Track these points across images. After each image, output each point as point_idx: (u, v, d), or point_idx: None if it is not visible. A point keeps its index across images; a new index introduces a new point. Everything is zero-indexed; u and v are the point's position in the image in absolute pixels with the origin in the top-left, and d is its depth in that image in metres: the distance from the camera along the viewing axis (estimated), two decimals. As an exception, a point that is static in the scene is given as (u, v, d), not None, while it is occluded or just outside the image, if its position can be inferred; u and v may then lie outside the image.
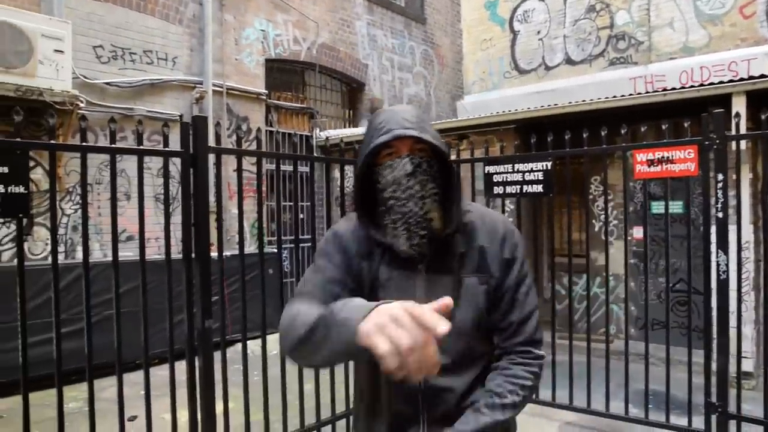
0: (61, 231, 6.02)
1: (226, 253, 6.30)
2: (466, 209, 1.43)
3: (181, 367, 3.03)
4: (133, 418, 4.28)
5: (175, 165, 6.16)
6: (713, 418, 3.61)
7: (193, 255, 3.11)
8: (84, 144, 2.69)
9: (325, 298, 1.27)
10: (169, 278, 3.06)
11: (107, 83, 6.23)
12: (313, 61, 8.45)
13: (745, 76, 6.07)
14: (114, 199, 2.82)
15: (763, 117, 3.41)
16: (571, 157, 4.18)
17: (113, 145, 2.78)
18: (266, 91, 7.66)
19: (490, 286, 1.38)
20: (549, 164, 4.24)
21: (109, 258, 5.97)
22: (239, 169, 3.36)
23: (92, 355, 2.73)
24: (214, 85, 6.91)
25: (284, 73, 8.36)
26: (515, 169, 4.43)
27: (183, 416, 3.08)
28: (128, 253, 5.79)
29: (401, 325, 0.88)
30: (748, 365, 4.88)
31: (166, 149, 3.05)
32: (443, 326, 0.87)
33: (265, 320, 3.46)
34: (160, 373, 3.87)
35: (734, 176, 4.71)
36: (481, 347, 1.43)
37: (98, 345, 2.92)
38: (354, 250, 1.40)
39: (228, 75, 7.18)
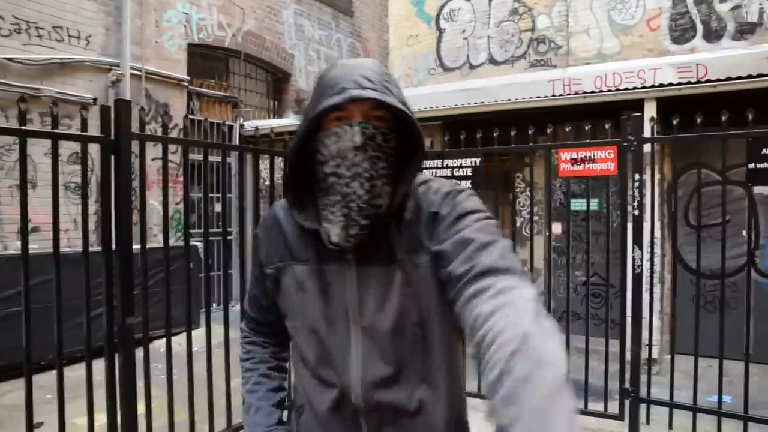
0: (-48, 221, 5.48)
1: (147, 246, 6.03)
2: (422, 183, 1.15)
3: (96, 366, 2.83)
4: (38, 425, 3.96)
5: (90, 153, 5.77)
6: (626, 402, 3.85)
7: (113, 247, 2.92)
8: None
9: (260, 319, 1.37)
10: (87, 271, 2.85)
11: (9, 59, 5.70)
12: (238, 48, 8.18)
13: (654, 83, 6.51)
14: (24, 187, 2.59)
15: (674, 122, 3.66)
16: (495, 154, 4.31)
17: (24, 128, 2.54)
18: (188, 78, 7.33)
19: (426, 262, 1.07)
20: (478, 160, 4.35)
21: (9, 251, 5.54)
22: (165, 158, 3.18)
23: None
24: (132, 68, 6.52)
25: (207, 60, 8.04)
26: (444, 165, 4.51)
27: (99, 419, 2.88)
28: (33, 245, 5.37)
29: None
30: (654, 352, 5.24)
31: (85, 134, 2.82)
32: None
33: (190, 316, 3.31)
34: (70, 374, 3.60)
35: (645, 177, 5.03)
36: (438, 351, 1.11)
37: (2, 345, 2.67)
38: (266, 254, 1.21)
39: (147, 58, 6.79)
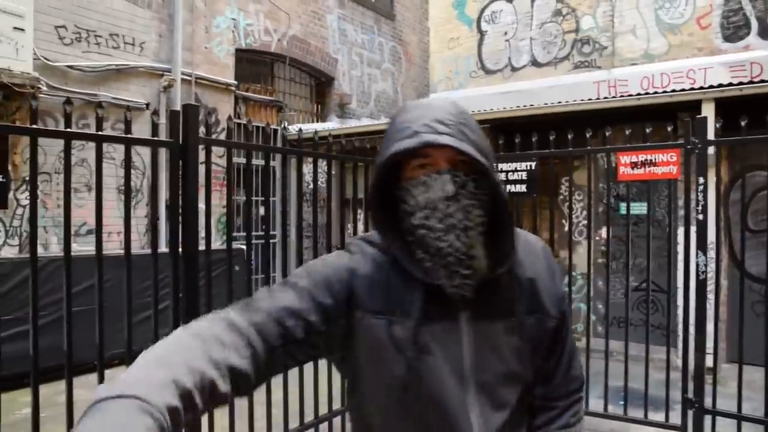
0: (15, 223, 5.69)
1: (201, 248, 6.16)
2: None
3: None
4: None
5: (141, 156, 5.91)
6: (690, 413, 3.74)
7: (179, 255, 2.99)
8: (34, 126, 2.41)
9: (267, 326, 0.96)
10: (155, 275, 2.92)
11: (70, 66, 5.91)
12: (284, 52, 8.29)
13: (703, 84, 6.34)
14: (68, 189, 2.57)
15: (743, 123, 3.55)
16: (551, 157, 4.26)
17: (68, 130, 2.54)
18: (236, 82, 7.47)
19: (548, 328, 1.12)
20: (533, 164, 4.30)
21: (77, 252, 5.72)
22: (229, 162, 3.24)
23: (38, 357, 2.46)
24: (182, 73, 6.68)
25: (253, 64, 8.17)
26: (500, 169, 4.47)
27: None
28: (89, 247, 5.54)
29: None
30: (710, 361, 5.08)
31: (155, 138, 2.90)
32: None
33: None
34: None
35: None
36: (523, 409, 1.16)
37: (54, 345, 2.76)
38: (361, 295, 1.04)
39: (197, 64, 6.95)
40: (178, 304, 2.99)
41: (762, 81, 5.40)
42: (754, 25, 7.58)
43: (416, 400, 1.03)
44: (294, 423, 3.67)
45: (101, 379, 2.71)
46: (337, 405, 3.90)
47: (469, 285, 1.00)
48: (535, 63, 9.66)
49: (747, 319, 4.50)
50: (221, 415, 3.17)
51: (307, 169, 6.93)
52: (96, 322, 2.72)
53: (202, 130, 3.17)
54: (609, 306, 4.58)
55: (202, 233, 3.26)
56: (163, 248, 4.92)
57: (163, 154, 4.26)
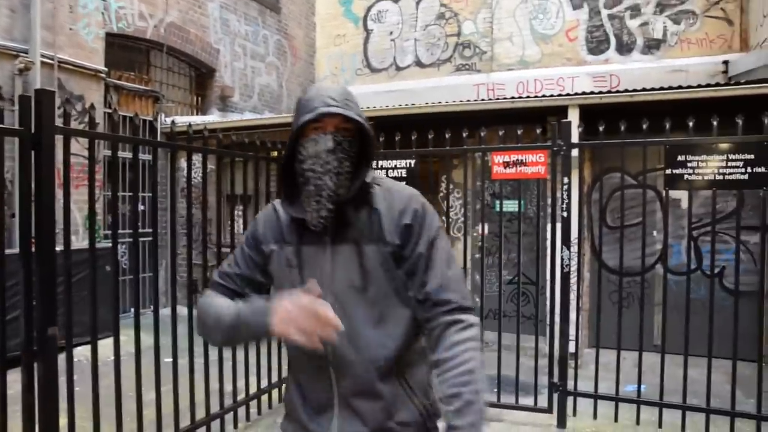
0: None
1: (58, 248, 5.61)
2: (375, 183, 1.48)
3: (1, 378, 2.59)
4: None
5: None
6: (555, 396, 4.03)
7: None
8: None
9: (234, 288, 1.54)
10: (1, 275, 2.61)
11: None
12: (161, 40, 7.80)
13: (571, 91, 6.88)
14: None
15: (600, 128, 3.87)
16: (430, 156, 4.39)
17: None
18: (106, 69, 6.90)
19: (386, 253, 1.41)
20: (413, 162, 4.40)
21: None
22: (91, 154, 2.98)
23: None
24: (42, 56, 6.03)
25: (127, 51, 7.60)
26: (379, 166, 4.53)
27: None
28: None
29: (298, 315, 1.25)
30: (572, 347, 5.51)
31: (1, 126, 2.58)
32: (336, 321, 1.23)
33: (96, 322, 3.05)
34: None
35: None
36: (393, 314, 1.42)
37: None
38: (264, 236, 1.53)
39: (60, 46, 6.31)
40: (32, 312, 2.69)
41: (619, 91, 5.95)
42: (613, 41, 8.35)
43: None
44: (185, 422, 3.53)
45: None
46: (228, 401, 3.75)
47: (331, 216, 1.39)
48: (419, 63, 9.92)
49: (605, 308, 4.95)
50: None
51: (185, 164, 6.58)
52: None
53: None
54: (484, 299, 4.82)
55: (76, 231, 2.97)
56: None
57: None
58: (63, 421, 2.83)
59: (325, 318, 1.23)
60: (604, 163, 5.28)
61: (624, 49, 8.29)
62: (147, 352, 3.33)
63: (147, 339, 3.36)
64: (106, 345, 3.49)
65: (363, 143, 1.45)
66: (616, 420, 3.99)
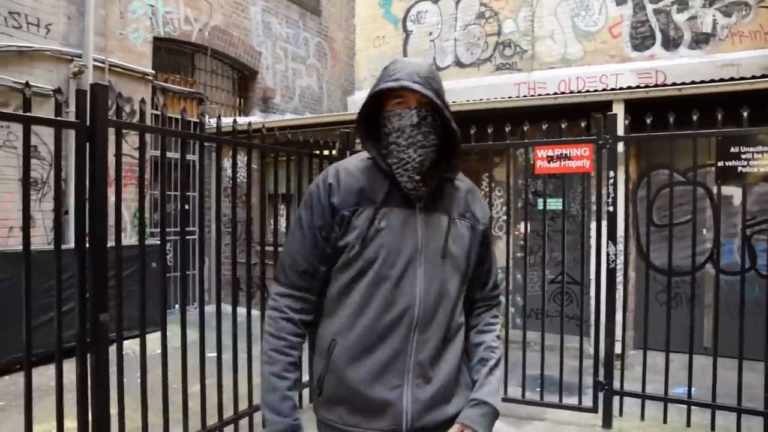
0: None
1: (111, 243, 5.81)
2: (458, 177, 1.58)
3: (59, 368, 2.69)
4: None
5: (47, 145, 5.52)
6: (600, 395, 3.93)
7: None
8: None
9: (303, 285, 1.49)
10: (58, 267, 2.71)
11: (-39, 46, 5.42)
12: (205, 43, 8.00)
13: (616, 88, 6.72)
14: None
15: (648, 121, 3.77)
16: (471, 153, 4.35)
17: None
18: (153, 72, 7.12)
19: (478, 231, 1.56)
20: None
21: None
22: (141, 147, 3.07)
23: None
24: (95, 60, 6.28)
25: (173, 54, 7.83)
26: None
27: (68, 422, 2.74)
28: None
29: None
30: (618, 347, 5.37)
31: (59, 118, 2.69)
32: None
33: (144, 317, 3.13)
34: (20, 380, 3.42)
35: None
36: (462, 294, 1.56)
37: None
38: (342, 199, 1.46)
39: (111, 50, 6.56)
40: (85, 305, 2.78)
41: (665, 85, 5.77)
42: (659, 36, 8.11)
43: (381, 270, 1.42)
44: (228, 413, 3.58)
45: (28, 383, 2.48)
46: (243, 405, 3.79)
47: (420, 187, 1.44)
48: (458, 63, 9.87)
49: (652, 308, 4.80)
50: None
51: (229, 163, 6.72)
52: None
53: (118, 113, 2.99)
54: (527, 298, 4.74)
55: (125, 228, 3.07)
56: (71, 244, 4.61)
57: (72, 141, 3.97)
58: (113, 410, 2.91)
59: None
60: (651, 159, 5.14)
61: (671, 44, 8.04)
62: (192, 346, 3.40)
63: (192, 334, 3.44)
64: (153, 339, 3.58)
65: (444, 124, 1.48)
66: (665, 421, 3.86)
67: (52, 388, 2.71)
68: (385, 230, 1.44)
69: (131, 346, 4.78)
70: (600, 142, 3.83)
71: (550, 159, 3.98)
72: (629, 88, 5.50)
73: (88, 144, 2.78)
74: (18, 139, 5.39)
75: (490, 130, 4.18)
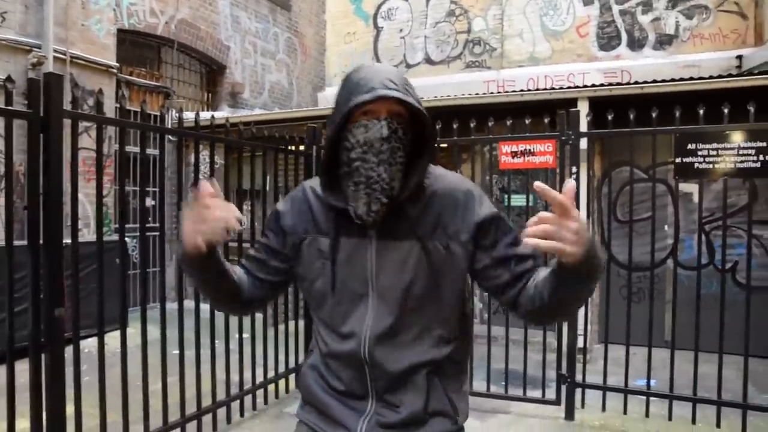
0: None
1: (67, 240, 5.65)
2: (427, 175, 1.36)
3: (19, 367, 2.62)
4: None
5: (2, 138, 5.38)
6: (563, 388, 3.99)
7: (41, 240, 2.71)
8: None
9: (255, 270, 1.47)
10: (10, 263, 2.63)
11: None
12: (172, 37, 7.86)
13: (583, 87, 6.85)
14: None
15: (609, 117, 3.83)
16: (439, 147, 4.37)
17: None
18: (117, 65, 6.96)
19: (456, 253, 1.32)
20: (458, 175, 4.38)
21: None
22: (99, 139, 2.99)
23: None
24: (55, 51, 6.11)
25: (138, 47, 7.67)
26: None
27: (21, 423, 2.66)
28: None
29: (196, 217, 1.23)
30: (581, 341, 5.46)
31: (10, 108, 2.60)
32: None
33: (102, 315, 3.08)
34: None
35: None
36: (437, 322, 1.35)
37: None
38: (292, 226, 1.40)
39: (72, 41, 6.39)
40: (39, 304, 2.70)
41: (628, 83, 5.88)
42: (624, 37, 8.28)
43: (336, 303, 1.35)
44: (191, 409, 3.55)
45: None
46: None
47: (383, 210, 1.26)
48: (429, 61, 9.91)
49: (615, 303, 4.90)
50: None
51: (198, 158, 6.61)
52: None
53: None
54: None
55: (82, 224, 2.99)
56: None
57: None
58: (70, 409, 2.84)
59: (220, 209, 1.21)
60: (614, 156, 5.24)
61: (636, 44, 8.22)
62: (154, 344, 3.35)
63: (154, 332, 3.38)
64: (114, 336, 3.51)
65: (416, 134, 1.32)
66: (625, 413, 3.94)
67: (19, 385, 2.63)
68: (329, 264, 1.34)
69: (93, 344, 4.68)
70: (563, 138, 3.89)
71: (514, 154, 4.02)
72: (593, 85, 5.59)
73: (42, 135, 2.70)
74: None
75: (455, 126, 4.20)
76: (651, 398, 3.92)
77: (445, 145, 4.85)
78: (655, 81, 5.32)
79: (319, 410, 1.41)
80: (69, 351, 2.87)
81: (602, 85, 5.54)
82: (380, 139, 1.24)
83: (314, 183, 1.43)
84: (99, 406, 3.01)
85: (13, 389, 2.58)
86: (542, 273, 1.26)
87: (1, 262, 2.79)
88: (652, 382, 4.07)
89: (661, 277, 5.70)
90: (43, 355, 2.73)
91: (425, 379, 1.34)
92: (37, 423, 2.70)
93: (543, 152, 3.93)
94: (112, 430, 3.05)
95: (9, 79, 2.62)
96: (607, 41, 8.34)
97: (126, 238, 6.12)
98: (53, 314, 2.74)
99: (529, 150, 3.96)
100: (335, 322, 1.36)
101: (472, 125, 4.21)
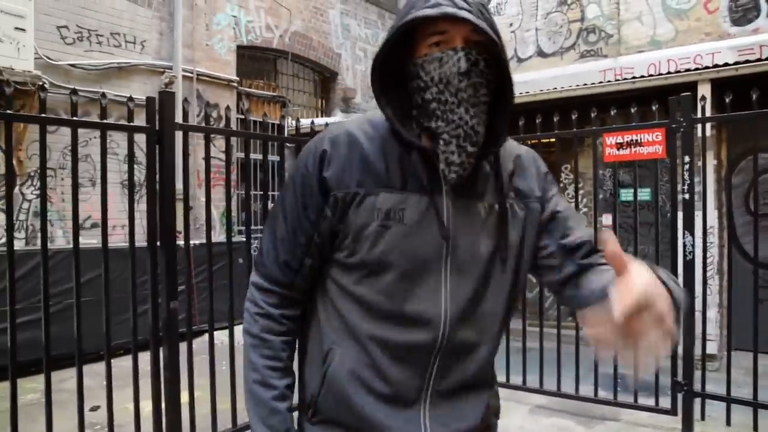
0: (21, 217, 5.84)
1: (195, 241, 6.23)
2: None
3: (145, 357, 2.97)
4: (95, 408, 4.16)
5: (141, 149, 6.01)
6: (679, 396, 3.67)
7: (158, 241, 3.03)
8: (43, 115, 2.57)
9: (293, 280, 1.14)
10: (133, 265, 2.97)
11: (72, 65, 6.05)
12: (286, 49, 8.35)
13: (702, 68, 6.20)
14: (75, 177, 2.74)
15: (727, 100, 3.47)
16: (542, 142, 4.21)
17: (74, 118, 2.68)
18: (237, 78, 7.55)
19: (532, 211, 1.14)
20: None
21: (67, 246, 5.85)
22: (207, 149, 3.28)
23: (50, 345, 2.58)
24: (183, 70, 6.78)
25: (256, 61, 8.25)
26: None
27: (147, 406, 3.00)
28: (93, 240, 5.64)
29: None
30: (712, 348, 4.98)
31: (131, 124, 2.95)
32: None
33: (232, 310, 3.36)
34: (125, 364, 3.77)
35: (699, 162, 4.80)
36: (506, 302, 1.15)
37: (61, 334, 2.82)
38: (336, 177, 1.07)
39: (198, 60, 7.04)
40: (157, 299, 3.01)
41: (759, 60, 5.23)
42: (764, 7, 7.39)
43: (395, 279, 1.06)
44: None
45: (108, 368, 2.81)
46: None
47: (471, 162, 1.03)
48: (540, 53, 9.57)
49: (747, 306, 4.39)
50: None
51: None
52: (103, 313, 2.79)
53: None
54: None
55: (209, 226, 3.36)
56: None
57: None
58: (198, 394, 3.14)
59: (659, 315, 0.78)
60: (746, 143, 4.70)
61: (778, 15, 7.30)
62: None
63: None
64: (240, 330, 3.80)
65: (497, 68, 1.05)
66: (755, 429, 3.54)
67: (146, 372, 2.99)
68: (397, 227, 1.05)
69: (220, 336, 5.12)
70: (673, 125, 3.58)
71: (619, 146, 3.77)
72: (715, 66, 5.06)
73: (157, 146, 3.02)
74: (119, 146, 5.93)
75: (555, 119, 4.02)
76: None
77: (550, 139, 4.67)
78: (793, 56, 4.71)
79: (347, 423, 1.11)
80: (198, 342, 3.18)
81: (726, 64, 4.99)
82: (458, 74, 0.99)
83: (361, 122, 1.13)
84: (210, 390, 3.28)
85: (137, 377, 2.93)
86: (605, 278, 1.01)
87: (125, 263, 3.14)
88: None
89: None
90: (161, 347, 3.05)
91: (490, 372, 1.18)
92: (157, 407, 3.02)
93: (651, 142, 3.65)
94: (223, 417, 3.31)
95: (131, 98, 2.96)
96: (742, 14, 7.50)
97: (242, 239, 6.59)
98: (169, 306, 3.05)
99: (636, 140, 3.70)
100: (395, 302, 1.06)
101: (573, 117, 4.01)
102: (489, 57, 1.03)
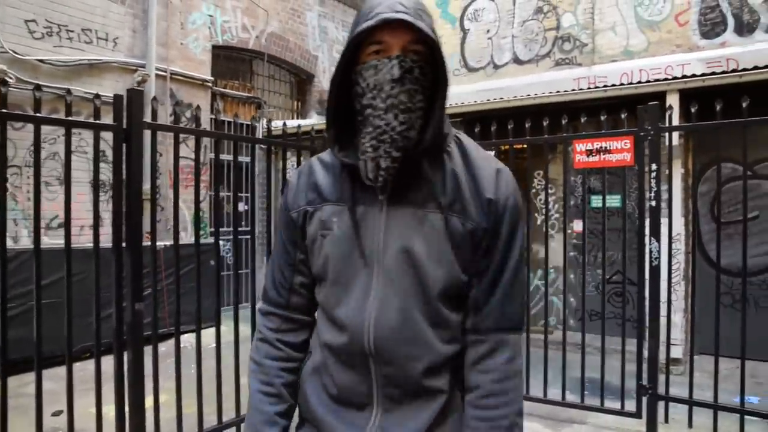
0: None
1: (166, 242, 6.13)
2: (453, 134, 1.18)
3: (110, 360, 2.91)
4: (58, 413, 4.04)
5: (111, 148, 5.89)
6: (644, 399, 3.73)
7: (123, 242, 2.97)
8: (4, 111, 2.49)
9: (288, 299, 1.25)
10: (96, 267, 2.90)
11: (40, 60, 5.91)
12: (262, 50, 8.30)
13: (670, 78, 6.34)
14: (37, 176, 2.67)
15: (693, 110, 3.55)
16: (514, 148, 4.25)
17: (37, 114, 2.62)
18: (212, 78, 7.47)
19: (466, 232, 1.11)
20: (491, 154, 4.29)
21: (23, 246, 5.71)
22: (176, 149, 3.23)
23: (6, 348, 2.49)
24: (157, 69, 6.68)
25: (231, 61, 8.18)
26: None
27: (111, 410, 2.94)
28: (60, 240, 5.52)
29: None
30: (677, 352, 5.08)
31: (97, 122, 2.89)
32: None
33: (200, 312, 3.31)
34: (91, 368, 3.69)
35: (667, 171, 4.90)
36: (453, 312, 1.14)
37: (26, 337, 2.76)
38: (293, 200, 1.21)
39: (172, 59, 6.95)
40: (121, 301, 2.95)
41: (724, 72, 5.36)
42: (731, 22, 7.59)
43: (334, 283, 1.15)
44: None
45: (69, 372, 2.73)
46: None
47: (394, 167, 1.06)
48: (516, 60, 9.67)
49: (712, 311, 4.49)
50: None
51: (290, 164, 6.93)
52: (65, 315, 2.72)
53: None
54: (578, 299, 4.57)
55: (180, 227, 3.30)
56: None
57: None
58: (164, 398, 3.09)
59: None
60: (712, 153, 4.81)
61: (744, 29, 7.51)
62: (245, 341, 3.55)
63: (246, 330, 3.63)
64: (208, 334, 3.76)
65: (436, 73, 1.09)
66: (715, 431, 3.61)
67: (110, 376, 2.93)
68: (330, 236, 1.13)
69: (189, 339, 5.04)
70: (641, 133, 3.65)
71: (589, 153, 3.83)
72: (684, 77, 5.18)
73: (124, 145, 2.97)
74: (88, 144, 5.81)
75: (527, 125, 4.07)
76: (747, 417, 3.56)
77: (522, 145, 4.71)
78: (756, 67, 4.84)
79: (317, 423, 1.19)
80: (168, 344, 3.12)
81: (695, 75, 5.11)
82: (391, 81, 1.04)
83: (326, 153, 1.24)
84: (196, 396, 3.22)
85: (99, 381, 2.87)
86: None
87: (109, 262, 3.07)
88: (755, 399, 3.70)
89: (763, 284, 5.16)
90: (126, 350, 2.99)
91: (445, 379, 1.15)
92: (120, 411, 2.95)
93: (620, 149, 3.71)
94: (189, 420, 3.26)
95: (97, 96, 2.91)
96: (711, 28, 7.68)
97: (220, 241, 6.52)
98: (134, 308, 2.99)
99: (605, 147, 3.76)
100: (330, 307, 1.15)
101: (545, 123, 4.06)
102: (427, 65, 1.08)
